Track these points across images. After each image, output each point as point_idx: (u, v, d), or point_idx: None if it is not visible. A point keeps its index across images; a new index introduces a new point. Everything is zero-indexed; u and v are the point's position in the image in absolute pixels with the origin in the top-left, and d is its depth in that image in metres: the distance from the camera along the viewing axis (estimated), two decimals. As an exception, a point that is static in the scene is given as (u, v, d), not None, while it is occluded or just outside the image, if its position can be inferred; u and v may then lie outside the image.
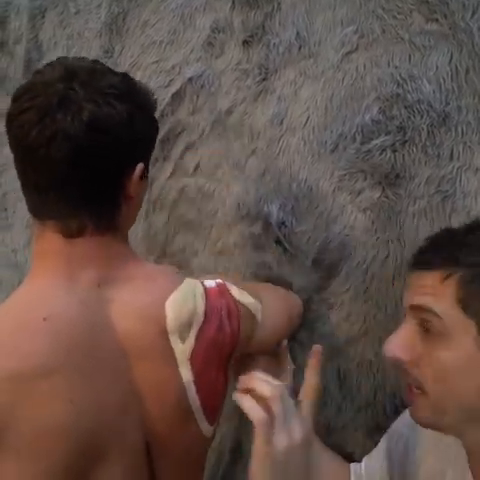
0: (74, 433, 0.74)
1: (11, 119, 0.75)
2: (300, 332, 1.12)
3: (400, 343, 0.76)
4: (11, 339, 0.73)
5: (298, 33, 1.12)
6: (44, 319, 0.74)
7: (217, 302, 0.84)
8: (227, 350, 0.85)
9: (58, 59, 0.80)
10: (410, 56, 1.03)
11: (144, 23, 1.27)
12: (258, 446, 0.73)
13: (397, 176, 1.04)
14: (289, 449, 0.73)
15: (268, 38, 1.15)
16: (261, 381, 0.75)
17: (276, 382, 0.76)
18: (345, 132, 1.07)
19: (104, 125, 0.74)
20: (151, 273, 0.84)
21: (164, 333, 0.79)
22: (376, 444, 0.98)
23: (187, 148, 1.23)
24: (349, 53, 1.08)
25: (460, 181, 1.00)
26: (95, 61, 0.81)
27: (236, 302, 0.87)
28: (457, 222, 0.98)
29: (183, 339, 0.80)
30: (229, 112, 1.19)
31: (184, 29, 1.23)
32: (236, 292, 0.88)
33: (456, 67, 1.00)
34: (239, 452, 1.24)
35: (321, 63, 1.11)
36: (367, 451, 1.00)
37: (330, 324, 1.09)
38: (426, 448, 0.86)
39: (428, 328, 0.74)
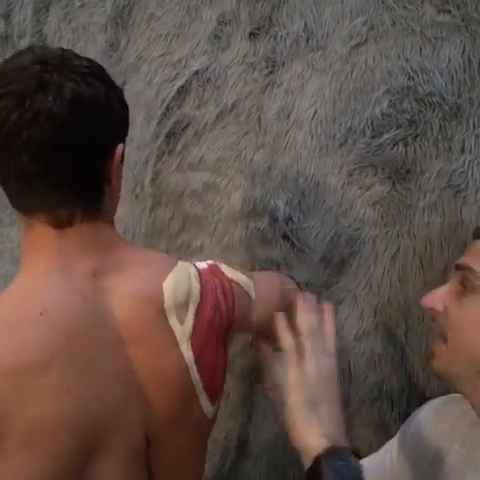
0: (74, 424, 0.71)
1: None
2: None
3: (437, 295, 0.82)
4: (7, 335, 0.70)
5: (306, 25, 1.08)
6: (41, 313, 0.71)
7: (211, 282, 0.83)
8: (224, 328, 0.83)
9: (25, 48, 0.77)
10: (421, 48, 1.00)
11: (150, 16, 1.23)
12: (290, 374, 0.75)
13: (408, 171, 1.00)
14: (319, 372, 0.75)
15: (275, 30, 1.11)
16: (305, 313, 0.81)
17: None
18: (354, 126, 1.03)
19: (87, 102, 0.72)
20: (145, 258, 0.82)
21: (162, 315, 0.77)
22: (381, 440, 0.97)
23: (193, 142, 1.19)
24: (358, 45, 1.04)
25: (472, 174, 0.97)
26: (61, 48, 0.77)
27: (229, 280, 0.85)
28: (469, 216, 0.95)
29: (181, 320, 0.78)
30: (235, 106, 1.15)
31: (190, 22, 1.18)
32: (228, 271, 0.87)
33: (469, 59, 0.97)
34: (246, 448, 1.21)
35: (329, 56, 1.07)
36: (373, 447, 0.99)
37: (340, 319, 1.06)
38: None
39: (465, 284, 0.79)
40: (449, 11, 0.98)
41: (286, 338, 0.78)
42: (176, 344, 0.78)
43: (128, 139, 1.25)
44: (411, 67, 1.00)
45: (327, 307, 0.86)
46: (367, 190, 1.04)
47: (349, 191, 1.05)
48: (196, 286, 0.81)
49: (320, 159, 1.06)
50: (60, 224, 0.75)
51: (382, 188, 1.03)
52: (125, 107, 0.81)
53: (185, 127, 1.19)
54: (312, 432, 0.70)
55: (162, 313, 0.77)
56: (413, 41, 1.00)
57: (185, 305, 0.79)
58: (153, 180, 1.22)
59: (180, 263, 0.82)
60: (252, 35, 1.13)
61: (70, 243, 0.75)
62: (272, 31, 1.11)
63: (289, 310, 0.92)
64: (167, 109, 1.20)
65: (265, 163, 1.12)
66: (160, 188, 1.22)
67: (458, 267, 0.81)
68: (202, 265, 0.85)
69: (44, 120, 0.69)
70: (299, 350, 0.77)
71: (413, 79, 0.99)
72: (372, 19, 1.03)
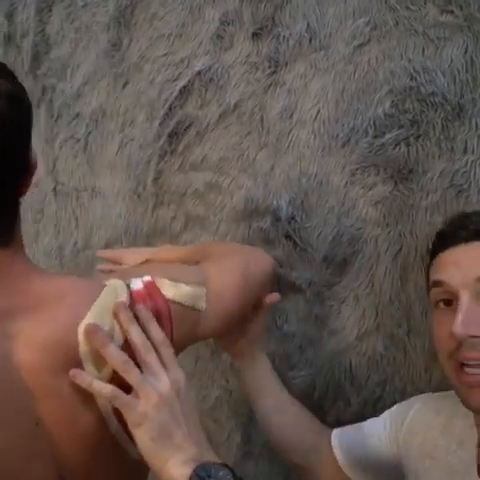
0: None
1: None
2: (311, 328, 1.08)
3: (466, 320, 0.74)
4: None
5: (309, 25, 1.07)
6: None
7: (143, 310, 0.71)
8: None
9: None
10: (424, 48, 0.99)
11: (152, 16, 1.22)
12: (127, 417, 0.67)
13: (410, 171, 1.00)
14: (160, 403, 0.67)
15: (278, 30, 1.10)
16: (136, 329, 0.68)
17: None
18: (357, 126, 1.03)
19: (22, 98, 0.66)
20: (62, 291, 0.69)
21: (76, 363, 0.67)
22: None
23: (195, 142, 1.19)
24: (361, 45, 1.03)
25: (474, 175, 0.96)
26: None
27: (166, 301, 0.74)
28: (471, 216, 0.94)
29: (99, 368, 0.68)
30: (238, 106, 1.14)
31: (193, 22, 1.18)
32: (168, 288, 0.75)
33: (471, 59, 0.96)
34: (248, 448, 1.21)
35: (332, 56, 1.06)
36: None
37: (341, 319, 1.06)
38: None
39: None
40: (452, 11, 0.97)
41: (103, 389, 0.67)
42: (90, 394, 0.67)
43: (130, 139, 1.26)
44: (414, 67, 0.99)
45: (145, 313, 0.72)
46: (369, 190, 1.04)
47: (351, 191, 1.05)
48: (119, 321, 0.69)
49: (323, 159, 1.06)
50: None
51: (384, 188, 1.02)
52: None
53: (187, 127, 1.19)
54: (173, 464, 0.65)
55: (76, 361, 0.67)
56: (416, 41, 0.99)
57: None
58: (155, 180, 1.22)
59: (107, 289, 0.70)
60: (255, 35, 1.12)
61: None
62: (275, 31, 1.10)
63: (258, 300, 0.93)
64: (169, 109, 1.20)
65: (268, 163, 1.11)
66: (162, 188, 1.22)
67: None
68: (137, 284, 0.73)
69: None
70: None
71: (415, 79, 0.99)
72: (375, 19, 1.02)
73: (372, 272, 1.03)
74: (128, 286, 0.72)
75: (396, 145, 1.00)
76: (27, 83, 1.38)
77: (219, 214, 1.17)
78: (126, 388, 0.68)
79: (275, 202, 1.10)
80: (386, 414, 0.97)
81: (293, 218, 1.09)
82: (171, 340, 0.73)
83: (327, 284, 1.08)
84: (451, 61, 0.97)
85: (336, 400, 1.09)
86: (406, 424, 0.91)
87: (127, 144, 1.25)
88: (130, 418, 0.67)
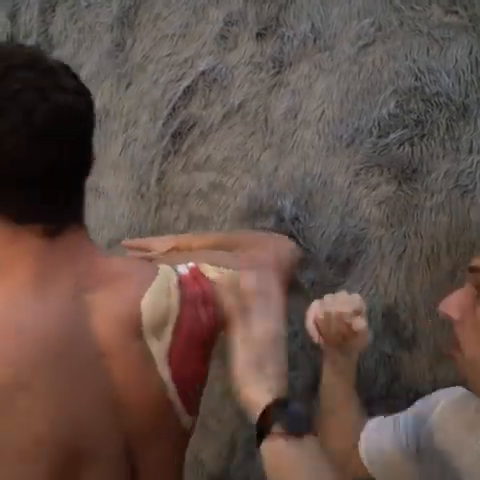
0: (54, 440, 0.69)
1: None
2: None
3: (453, 302, 0.79)
4: None
5: (313, 25, 1.07)
6: (18, 330, 0.68)
7: (191, 290, 0.79)
8: (205, 338, 0.80)
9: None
10: (428, 49, 0.99)
11: (156, 16, 1.21)
12: (239, 332, 0.74)
13: (414, 170, 0.99)
14: (267, 336, 0.74)
15: (282, 31, 1.10)
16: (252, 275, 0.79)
17: None
18: (361, 126, 1.02)
19: (86, 95, 0.72)
20: (125, 270, 0.78)
21: (140, 334, 0.74)
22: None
23: (199, 142, 1.19)
24: (366, 46, 1.03)
25: (480, 175, 0.96)
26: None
27: (211, 284, 0.80)
28: (477, 216, 0.94)
29: (159, 337, 0.75)
30: (242, 106, 1.14)
31: (197, 22, 1.17)
32: (210, 272, 0.82)
33: (476, 59, 0.96)
34: (252, 447, 1.19)
35: (337, 56, 1.06)
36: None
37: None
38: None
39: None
40: (456, 12, 0.97)
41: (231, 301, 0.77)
42: (153, 363, 0.75)
43: (133, 139, 1.25)
44: (418, 68, 0.99)
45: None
46: (373, 190, 1.03)
47: (355, 191, 1.04)
48: (175, 299, 0.77)
49: (327, 159, 1.06)
50: (51, 234, 0.71)
51: (388, 188, 1.02)
52: None
53: (191, 127, 1.18)
54: (259, 389, 0.70)
55: (139, 332, 0.74)
56: (420, 42, 0.99)
57: (163, 323, 0.76)
58: (159, 180, 1.21)
59: (161, 271, 0.78)
60: (259, 35, 1.12)
61: (56, 255, 0.72)
62: (279, 31, 1.10)
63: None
64: (173, 109, 1.19)
65: (272, 163, 1.11)
66: (166, 188, 1.21)
67: (472, 269, 0.78)
68: (183, 269, 0.80)
69: (68, 116, 0.68)
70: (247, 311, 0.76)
71: (420, 80, 0.99)
72: (380, 20, 1.02)
73: (376, 273, 1.03)
74: (176, 271, 0.79)
75: (400, 145, 1.00)
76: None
77: (223, 214, 1.16)
78: (188, 362, 0.77)
79: (279, 202, 1.10)
80: (407, 412, 0.94)
81: (297, 218, 1.08)
82: (215, 319, 0.79)
83: (330, 284, 1.07)
84: (456, 61, 0.97)
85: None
86: (430, 422, 0.89)
87: (130, 144, 1.25)
88: (240, 334, 0.74)
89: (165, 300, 0.76)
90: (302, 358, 1.10)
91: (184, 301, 0.77)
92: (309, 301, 1.09)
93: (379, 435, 0.95)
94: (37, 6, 1.37)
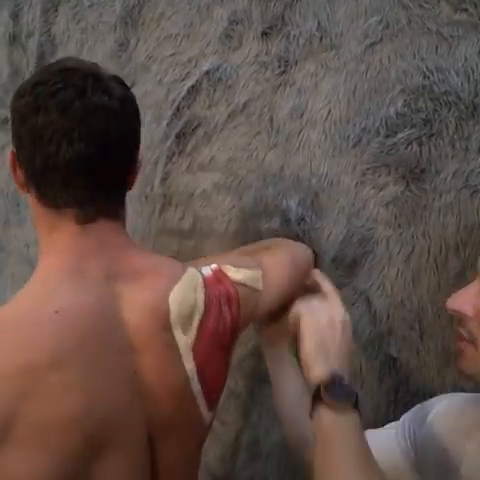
0: (83, 420, 0.72)
1: (37, 104, 0.73)
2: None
3: (464, 298, 0.78)
4: (17, 334, 0.70)
5: (319, 24, 1.04)
6: (56, 312, 0.72)
7: (215, 290, 0.83)
8: (228, 337, 0.84)
9: (64, 58, 0.82)
10: (437, 47, 0.96)
11: (160, 15, 1.19)
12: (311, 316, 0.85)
13: (422, 170, 0.97)
14: (333, 322, 0.85)
15: (288, 29, 1.07)
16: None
17: None
18: (369, 126, 1.00)
19: (131, 102, 0.79)
20: (155, 265, 0.82)
21: (168, 326, 0.78)
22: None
23: (203, 142, 1.16)
24: (373, 44, 1.00)
25: (489, 175, 0.93)
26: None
27: (234, 285, 0.86)
28: (486, 217, 0.91)
29: (185, 331, 0.79)
30: (247, 105, 1.12)
31: (201, 21, 1.15)
32: (233, 272, 0.87)
33: (486, 57, 0.93)
34: (256, 448, 1.18)
35: (343, 55, 1.03)
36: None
37: (352, 321, 1.01)
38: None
39: None
40: (466, 10, 0.94)
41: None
42: (179, 355, 0.79)
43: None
44: (427, 66, 0.96)
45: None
46: (381, 190, 1.01)
47: (362, 191, 1.02)
48: (201, 297, 0.81)
49: (333, 159, 1.03)
50: (85, 219, 0.76)
51: (396, 188, 1.00)
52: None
53: (196, 127, 1.16)
54: (320, 368, 0.80)
55: (167, 325, 0.78)
56: (429, 40, 0.97)
57: (190, 318, 0.80)
58: (163, 181, 1.19)
59: (188, 271, 0.83)
60: (264, 34, 1.09)
61: (89, 242, 0.77)
62: (285, 30, 1.07)
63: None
64: (177, 109, 1.17)
65: (277, 163, 1.09)
66: (170, 189, 1.19)
67: None
68: (207, 271, 0.85)
69: (103, 114, 0.74)
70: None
71: (428, 78, 0.96)
72: (387, 18, 0.99)
73: (383, 273, 1.01)
74: (200, 272, 0.83)
75: (408, 145, 0.98)
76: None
77: (227, 215, 1.14)
78: (211, 359, 0.82)
79: (285, 203, 1.07)
80: (404, 418, 0.93)
81: (303, 219, 1.06)
82: (238, 319, 0.84)
83: (337, 285, 1.04)
84: (465, 60, 0.94)
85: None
86: (426, 427, 0.88)
87: (134, 144, 1.22)
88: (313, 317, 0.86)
89: (192, 296, 0.80)
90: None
91: (209, 300, 0.82)
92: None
93: (375, 448, 0.93)
94: (39, 6, 1.34)
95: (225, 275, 0.85)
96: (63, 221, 0.76)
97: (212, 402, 0.85)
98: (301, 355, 0.83)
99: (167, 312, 0.78)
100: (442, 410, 0.88)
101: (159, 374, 0.78)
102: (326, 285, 0.92)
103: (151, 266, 0.81)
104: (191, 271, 0.83)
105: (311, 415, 0.77)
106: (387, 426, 0.96)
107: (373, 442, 0.92)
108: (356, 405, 0.76)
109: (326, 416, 0.76)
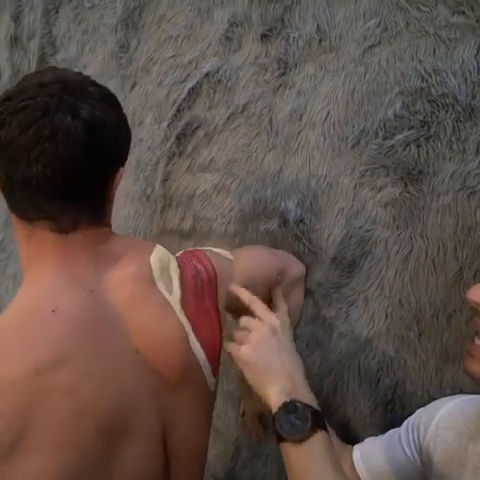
0: (96, 413, 0.73)
1: (1, 119, 0.72)
2: (319, 330, 1.06)
3: None
4: (21, 341, 0.71)
5: (318, 26, 1.05)
6: (52, 311, 0.73)
7: (185, 256, 0.90)
8: (209, 290, 0.88)
9: (47, 67, 0.82)
10: (435, 49, 0.96)
11: (160, 17, 1.19)
12: (252, 335, 0.84)
13: (420, 172, 0.97)
14: (271, 337, 0.83)
15: (287, 32, 1.08)
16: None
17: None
18: (367, 127, 1.00)
19: (100, 126, 0.75)
20: (131, 243, 0.87)
21: (154, 285, 0.82)
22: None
23: (203, 144, 1.17)
24: (371, 47, 1.01)
25: (487, 177, 0.93)
26: (81, 73, 0.81)
27: (203, 251, 0.93)
28: (484, 218, 0.91)
29: (170, 291, 0.83)
30: (246, 107, 1.12)
31: (201, 23, 1.15)
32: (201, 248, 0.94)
33: (483, 60, 0.93)
34: (257, 448, 1.18)
35: (342, 57, 1.03)
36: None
37: (350, 321, 1.03)
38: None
39: None
40: (463, 12, 0.95)
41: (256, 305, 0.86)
42: (172, 309, 0.82)
43: (138, 140, 1.23)
44: (424, 68, 0.97)
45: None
46: (379, 191, 1.01)
47: (361, 192, 1.02)
48: (174, 261, 0.86)
49: (332, 160, 1.04)
50: (63, 230, 0.77)
51: (394, 189, 1.00)
52: (129, 134, 0.84)
53: (196, 129, 1.17)
54: (270, 393, 0.78)
55: (153, 284, 0.82)
56: (427, 42, 0.97)
57: (169, 278, 0.84)
58: (164, 181, 1.19)
59: (158, 245, 0.88)
60: (264, 36, 1.10)
61: (74, 246, 0.78)
62: (284, 33, 1.08)
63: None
64: (178, 111, 1.17)
65: (276, 165, 1.09)
66: (171, 189, 1.19)
67: None
68: (178, 253, 0.91)
69: (61, 138, 0.72)
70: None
71: (426, 81, 0.96)
72: (386, 20, 0.99)
73: (382, 274, 1.01)
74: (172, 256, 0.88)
75: (406, 146, 0.98)
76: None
77: (227, 216, 1.14)
78: (202, 315, 0.85)
79: (283, 204, 1.08)
80: (407, 423, 0.93)
81: (302, 220, 1.06)
82: (214, 273, 0.88)
83: (335, 286, 1.05)
84: (462, 62, 0.95)
85: (344, 402, 1.06)
86: (431, 431, 0.88)
87: (135, 146, 1.23)
88: (254, 336, 0.83)
89: (167, 258, 0.86)
90: (306, 359, 1.08)
91: (182, 262, 0.87)
92: (314, 303, 1.07)
93: (379, 453, 0.93)
94: (41, 7, 1.35)
95: (195, 250, 0.94)
96: (37, 231, 0.76)
97: (214, 365, 0.87)
98: (247, 374, 0.82)
99: (150, 273, 0.82)
100: (446, 415, 0.87)
101: (157, 331, 0.80)
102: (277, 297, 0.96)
103: (128, 244, 0.86)
104: (160, 246, 0.88)
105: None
106: (389, 432, 0.96)
107: (377, 450, 0.93)
108: (317, 423, 0.74)
109: (289, 450, 0.74)
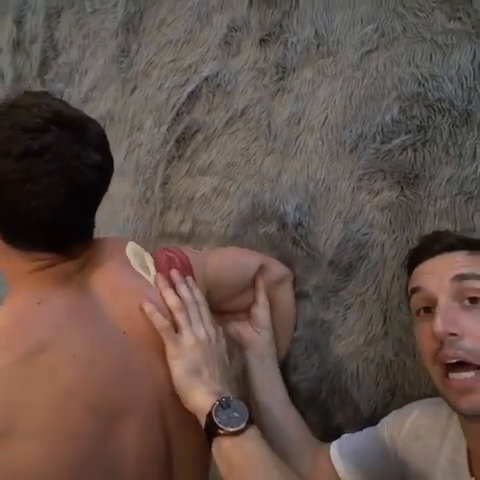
0: (86, 395, 0.73)
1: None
2: (317, 333, 1.06)
3: (445, 318, 0.77)
4: (8, 332, 0.74)
5: (316, 31, 1.06)
6: (38, 303, 0.76)
7: (158, 250, 0.95)
8: (186, 272, 0.93)
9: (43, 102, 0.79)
10: (431, 55, 0.97)
11: (161, 22, 1.20)
12: (168, 349, 0.83)
13: (416, 176, 0.98)
14: (196, 340, 0.84)
15: (286, 37, 1.08)
16: (170, 293, 0.87)
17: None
18: (365, 132, 1.01)
19: (107, 169, 0.82)
20: (106, 241, 0.91)
21: (133, 269, 0.87)
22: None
23: (202, 147, 1.18)
24: (369, 52, 1.01)
25: (484, 181, 0.94)
26: (77, 109, 0.82)
27: (175, 246, 0.99)
28: (481, 222, 0.92)
29: (148, 273, 0.89)
30: (245, 111, 1.13)
31: (201, 28, 1.16)
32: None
33: (479, 65, 0.94)
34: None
35: (340, 62, 1.04)
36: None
37: (348, 324, 1.03)
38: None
39: (473, 297, 0.77)
40: (460, 18, 0.95)
41: (157, 319, 0.83)
42: (154, 289, 0.87)
43: (138, 144, 1.24)
44: (421, 74, 0.97)
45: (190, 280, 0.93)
46: (376, 195, 1.02)
47: (358, 196, 1.03)
48: (148, 254, 0.92)
49: (330, 164, 1.04)
50: (59, 254, 0.81)
51: (391, 193, 1.00)
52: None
53: (195, 132, 1.18)
54: (199, 393, 0.79)
55: (132, 269, 0.88)
56: (424, 48, 0.97)
57: (145, 264, 0.90)
58: (163, 185, 1.20)
59: (130, 241, 0.93)
60: (262, 41, 1.11)
61: (65, 264, 0.82)
62: (282, 37, 1.09)
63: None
64: (177, 114, 1.18)
65: (275, 168, 1.10)
66: (170, 192, 1.20)
67: (458, 277, 0.79)
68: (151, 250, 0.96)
69: (85, 186, 0.77)
70: (175, 325, 0.85)
71: (423, 86, 0.97)
72: (383, 26, 1.00)
73: (379, 278, 1.01)
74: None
75: (403, 151, 0.98)
76: (35, 88, 1.37)
77: (226, 219, 1.15)
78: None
79: (282, 207, 1.08)
80: (383, 422, 0.95)
81: (300, 223, 1.07)
82: (187, 261, 0.94)
83: (333, 289, 1.06)
84: (458, 67, 0.95)
85: (343, 404, 1.07)
86: (405, 431, 0.89)
87: (135, 149, 1.24)
88: (171, 350, 0.82)
89: (141, 251, 0.91)
90: (305, 362, 1.09)
91: (155, 255, 0.93)
92: (312, 306, 1.08)
93: (357, 450, 0.94)
94: (43, 12, 1.36)
95: (169, 247, 0.99)
96: (34, 255, 0.79)
97: None
98: (174, 380, 0.82)
99: (128, 262, 0.88)
100: (418, 415, 0.89)
101: (148, 332, 0.82)
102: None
103: (105, 243, 0.90)
104: (132, 242, 0.93)
105: (211, 445, 0.76)
106: (365, 430, 0.97)
107: (353, 445, 0.94)
108: (251, 417, 0.76)
109: (228, 442, 0.74)
